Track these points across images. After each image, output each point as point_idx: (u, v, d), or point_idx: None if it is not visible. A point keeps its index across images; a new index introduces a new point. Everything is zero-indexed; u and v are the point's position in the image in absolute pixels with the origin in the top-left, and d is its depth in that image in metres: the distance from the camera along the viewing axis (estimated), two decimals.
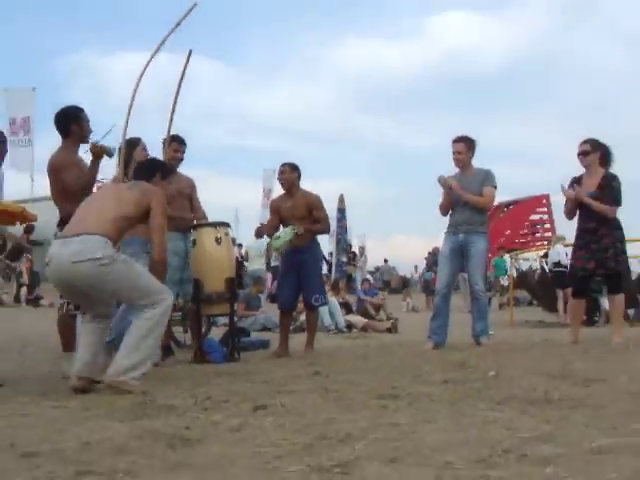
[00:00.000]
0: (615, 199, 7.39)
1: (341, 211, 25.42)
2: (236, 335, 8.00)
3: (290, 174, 8.20)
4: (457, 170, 8.02)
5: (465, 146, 7.93)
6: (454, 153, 7.92)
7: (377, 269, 35.57)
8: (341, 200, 25.42)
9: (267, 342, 9.36)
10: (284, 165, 8.28)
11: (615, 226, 7.45)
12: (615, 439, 2.72)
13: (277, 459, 2.62)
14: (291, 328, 9.10)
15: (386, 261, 36.47)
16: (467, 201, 7.78)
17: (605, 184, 7.39)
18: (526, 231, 20.94)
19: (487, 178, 7.87)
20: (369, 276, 28.93)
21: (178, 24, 7.19)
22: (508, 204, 20.97)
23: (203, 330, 8.18)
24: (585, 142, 7.60)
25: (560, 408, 3.47)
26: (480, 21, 70.66)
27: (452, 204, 7.92)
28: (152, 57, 7.28)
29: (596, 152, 7.53)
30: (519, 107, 66.80)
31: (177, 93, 7.58)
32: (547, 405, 3.56)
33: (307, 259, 8.13)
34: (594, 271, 7.49)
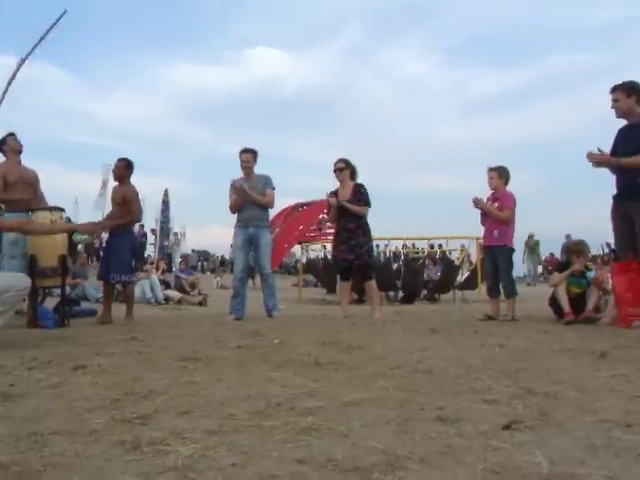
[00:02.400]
0: (366, 202, 7.89)
1: (165, 203, 24.94)
2: (67, 304, 7.75)
3: (123, 170, 8.22)
4: (243, 175, 8.27)
5: (252, 156, 8.24)
6: (243, 162, 8.18)
7: (193, 251, 34.97)
8: (165, 194, 24.95)
9: (95, 311, 9.07)
10: (120, 160, 8.19)
11: (367, 227, 7.95)
12: (364, 394, 2.83)
13: (88, 412, 2.53)
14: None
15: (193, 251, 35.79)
16: (254, 200, 7.98)
17: (357, 192, 7.81)
18: (315, 227, 21.37)
19: (267, 182, 8.13)
20: (190, 253, 28.79)
21: (49, 30, 6.81)
22: (303, 204, 21.34)
23: (39, 299, 7.79)
24: (340, 161, 8.03)
25: (326, 370, 3.56)
26: (285, 57, 72.07)
27: (242, 203, 8.06)
28: (23, 62, 6.96)
29: (348, 169, 7.99)
30: (310, 127, 68.87)
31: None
32: (316, 367, 3.65)
33: (115, 244, 8.16)
34: (353, 262, 7.87)
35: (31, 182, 7.51)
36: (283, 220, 17.92)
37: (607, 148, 6.31)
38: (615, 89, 6.20)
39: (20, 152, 7.46)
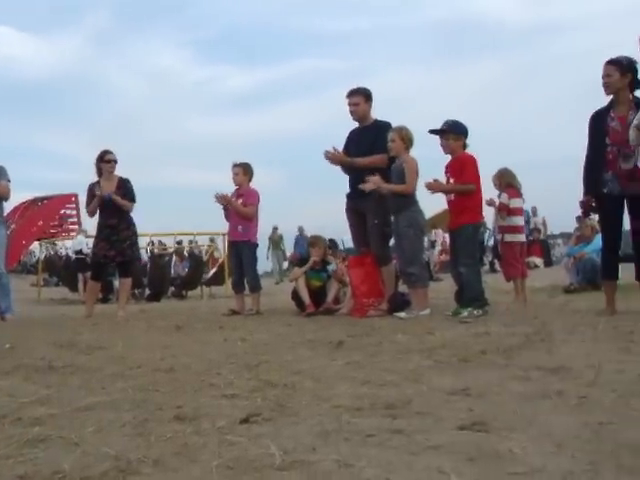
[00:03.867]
0: (132, 197, 7.63)
1: None
2: None
3: None
4: None
5: None
6: None
7: None
8: None
9: None
10: None
11: (131, 222, 7.61)
12: (101, 397, 2.70)
13: None
14: None
15: None
16: None
17: (122, 186, 7.52)
18: (57, 223, 20.20)
19: (2, 172, 7.46)
20: None
21: None
22: (42, 199, 20.09)
23: None
24: (110, 152, 7.65)
25: (62, 374, 3.35)
26: (23, 38, 66.82)
27: None
28: None
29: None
30: (52, 116, 64.76)
31: None
32: (50, 372, 3.41)
33: None
34: (115, 259, 7.56)
35: None
36: (20, 215, 16.67)
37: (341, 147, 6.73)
38: (353, 93, 6.63)
39: None
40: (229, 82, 71.67)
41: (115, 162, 7.66)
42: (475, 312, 5.54)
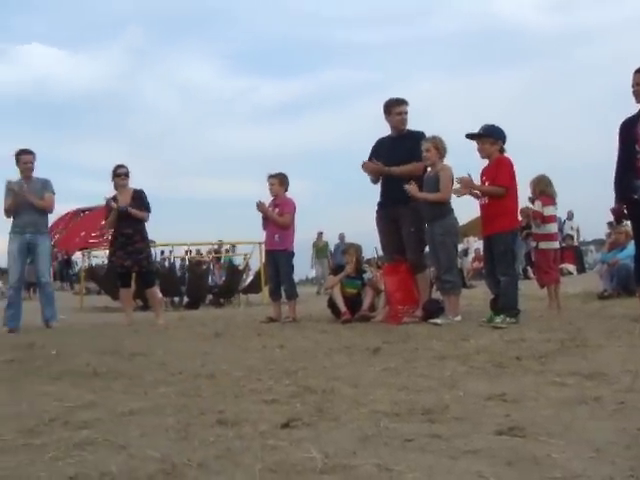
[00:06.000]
0: (147, 208, 7.79)
1: None
2: None
3: None
4: (20, 177, 7.69)
5: (33, 157, 7.70)
6: (24, 163, 7.58)
7: None
8: None
9: None
10: None
11: (145, 233, 7.84)
12: (144, 402, 2.74)
13: None
14: None
15: None
16: (33, 204, 7.47)
17: (137, 197, 7.70)
18: (98, 233, 20.49)
19: (47, 185, 7.64)
20: None
21: None
22: (84, 210, 20.39)
23: None
24: (123, 166, 7.77)
25: (106, 380, 3.40)
26: (63, 55, 68.06)
27: (16, 207, 7.49)
28: None
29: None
30: (92, 130, 65.84)
31: None
32: (95, 377, 3.47)
33: None
34: (132, 269, 7.67)
35: None
36: (64, 226, 16.93)
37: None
38: (404, 102, 6.66)
39: None
40: (261, 94, 72.18)
41: (126, 175, 7.82)
42: (508, 319, 5.49)
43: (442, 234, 6.08)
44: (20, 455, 1.99)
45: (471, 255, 20.58)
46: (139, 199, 7.74)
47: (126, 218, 7.60)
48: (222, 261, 18.67)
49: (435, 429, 2.13)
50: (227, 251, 18.93)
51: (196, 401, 2.74)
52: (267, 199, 7.64)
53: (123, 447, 2.04)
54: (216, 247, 18.65)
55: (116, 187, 7.79)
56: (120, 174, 7.76)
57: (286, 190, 7.66)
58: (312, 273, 22.38)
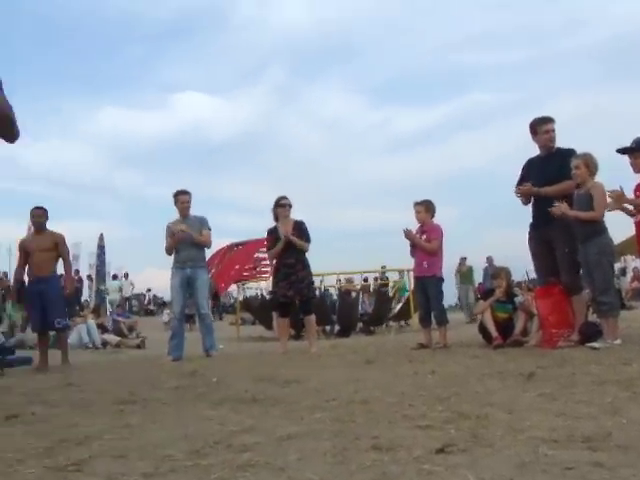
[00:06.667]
0: (307, 238, 7.96)
1: (101, 247, 24.43)
2: (1, 353, 7.47)
3: (40, 217, 8.11)
4: (178, 217, 8.26)
5: (189, 197, 8.25)
6: (182, 203, 8.13)
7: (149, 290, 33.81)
8: (101, 238, 24.46)
9: (30, 359, 8.68)
10: (37, 208, 8.07)
11: (307, 262, 7.88)
12: (301, 427, 2.79)
13: (19, 462, 2.39)
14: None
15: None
16: (194, 239, 7.93)
17: (298, 227, 7.85)
18: (252, 266, 21.26)
19: (203, 222, 8.13)
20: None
21: None
22: (237, 244, 21.26)
23: None
24: (286, 198, 8.04)
25: (264, 405, 3.51)
26: (212, 101, 72.17)
27: (176, 244, 7.99)
28: None
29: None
30: (240, 168, 68.93)
31: None
32: (253, 403, 3.59)
33: (48, 290, 7.88)
34: (294, 298, 7.85)
35: None
36: (219, 260, 17.75)
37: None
38: (551, 120, 6.49)
39: None
40: (401, 123, 72.20)
41: (290, 206, 8.02)
42: None
43: (597, 253, 5.78)
44: (189, 474, 2.10)
45: (629, 275, 19.39)
46: (300, 230, 7.95)
47: (288, 248, 7.83)
48: (391, 287, 18.70)
49: (597, 457, 2.01)
50: (375, 279, 19.02)
51: (351, 426, 2.76)
52: (413, 226, 7.63)
53: (282, 469, 2.10)
54: (365, 276, 18.79)
55: (277, 218, 8.05)
56: (284, 205, 7.99)
57: (432, 216, 7.60)
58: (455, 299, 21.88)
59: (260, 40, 66.64)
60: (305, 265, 7.95)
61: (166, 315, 21.29)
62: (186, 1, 66.77)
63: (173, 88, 73.44)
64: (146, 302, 31.94)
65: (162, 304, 30.92)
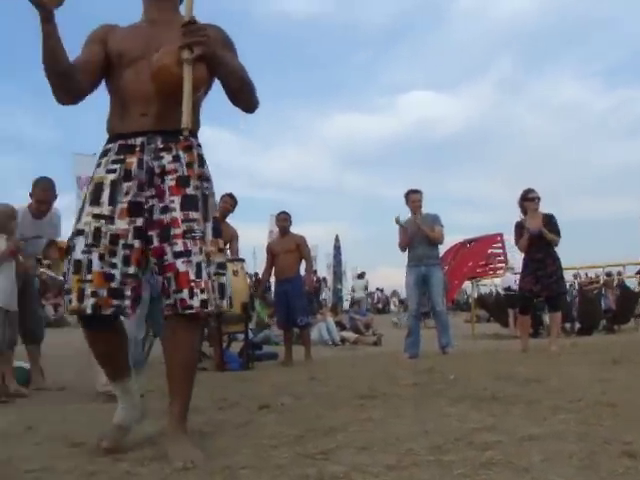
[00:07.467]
0: (557, 232, 7.52)
1: (337, 248, 25.53)
2: (250, 348, 8.06)
3: (284, 221, 8.60)
4: (409, 214, 8.32)
5: (421, 196, 8.28)
6: (414, 202, 8.14)
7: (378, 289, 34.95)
8: (337, 239, 25.55)
9: (276, 354, 9.29)
10: (282, 213, 8.58)
11: (556, 256, 7.53)
12: (544, 428, 2.71)
13: (273, 448, 2.59)
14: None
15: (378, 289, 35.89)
16: (426, 235, 7.95)
17: (548, 221, 7.49)
18: (484, 262, 20.89)
19: (436, 219, 8.12)
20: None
21: None
22: (470, 241, 20.98)
23: (225, 344, 8.20)
24: (533, 190, 7.68)
25: (504, 404, 3.44)
26: (438, 98, 71.78)
27: (410, 241, 8.07)
28: None
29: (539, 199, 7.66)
30: (469, 164, 67.62)
31: None
32: (493, 401, 3.53)
33: (292, 289, 8.33)
34: (540, 293, 7.54)
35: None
36: (452, 257, 17.64)
37: None
38: None
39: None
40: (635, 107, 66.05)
41: (539, 199, 7.65)
42: None
43: None
44: (432, 469, 2.14)
45: None
46: (550, 223, 7.63)
47: (537, 242, 7.54)
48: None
49: None
50: (619, 274, 17.66)
51: (598, 430, 2.62)
52: None
53: (526, 470, 2.05)
54: (608, 270, 17.53)
55: (525, 211, 7.79)
56: (533, 198, 7.70)
57: None
58: None
59: (481, 32, 65.20)
60: (554, 259, 7.58)
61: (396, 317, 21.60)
62: (401, 3, 67.42)
63: (398, 89, 74.44)
64: (375, 300, 32.71)
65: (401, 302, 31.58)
